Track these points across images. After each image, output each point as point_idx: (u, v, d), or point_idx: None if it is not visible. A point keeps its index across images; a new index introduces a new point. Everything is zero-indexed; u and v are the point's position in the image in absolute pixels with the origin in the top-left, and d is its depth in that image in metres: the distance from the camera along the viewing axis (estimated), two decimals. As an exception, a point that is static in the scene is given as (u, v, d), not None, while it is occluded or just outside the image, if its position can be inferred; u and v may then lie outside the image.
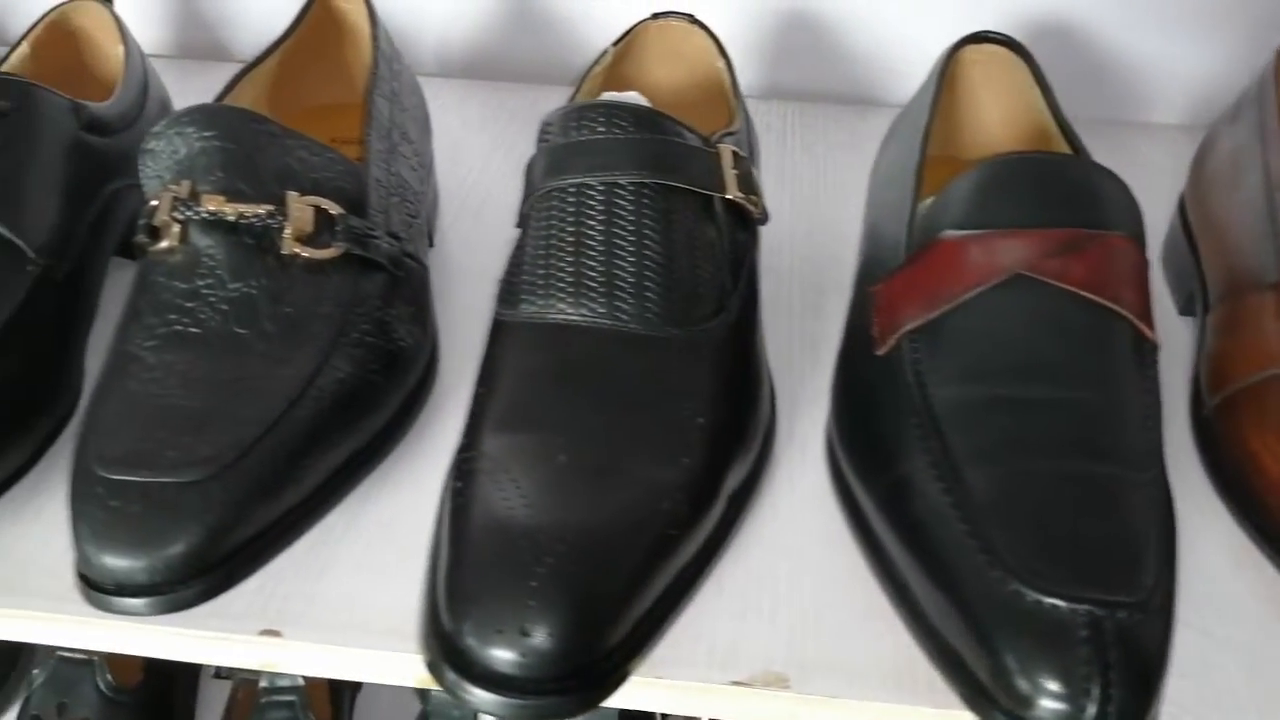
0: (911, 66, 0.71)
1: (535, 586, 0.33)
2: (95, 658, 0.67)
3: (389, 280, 0.47)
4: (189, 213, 0.44)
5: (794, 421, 0.48)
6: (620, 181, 0.43)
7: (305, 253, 0.44)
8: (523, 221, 0.46)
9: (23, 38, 0.57)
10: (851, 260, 0.57)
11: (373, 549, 0.42)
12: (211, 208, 0.44)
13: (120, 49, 0.57)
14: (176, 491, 0.36)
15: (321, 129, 0.48)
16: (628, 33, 0.55)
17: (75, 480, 0.38)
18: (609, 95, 0.49)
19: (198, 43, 0.79)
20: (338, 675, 0.40)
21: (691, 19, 0.55)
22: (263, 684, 0.67)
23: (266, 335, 0.42)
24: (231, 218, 0.44)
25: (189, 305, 0.42)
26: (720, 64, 0.54)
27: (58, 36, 0.58)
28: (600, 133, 0.44)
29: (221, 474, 0.37)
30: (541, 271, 0.42)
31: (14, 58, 0.56)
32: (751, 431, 0.43)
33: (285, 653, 0.39)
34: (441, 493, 0.43)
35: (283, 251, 0.44)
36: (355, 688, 0.74)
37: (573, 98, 0.53)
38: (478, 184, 0.65)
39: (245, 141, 0.46)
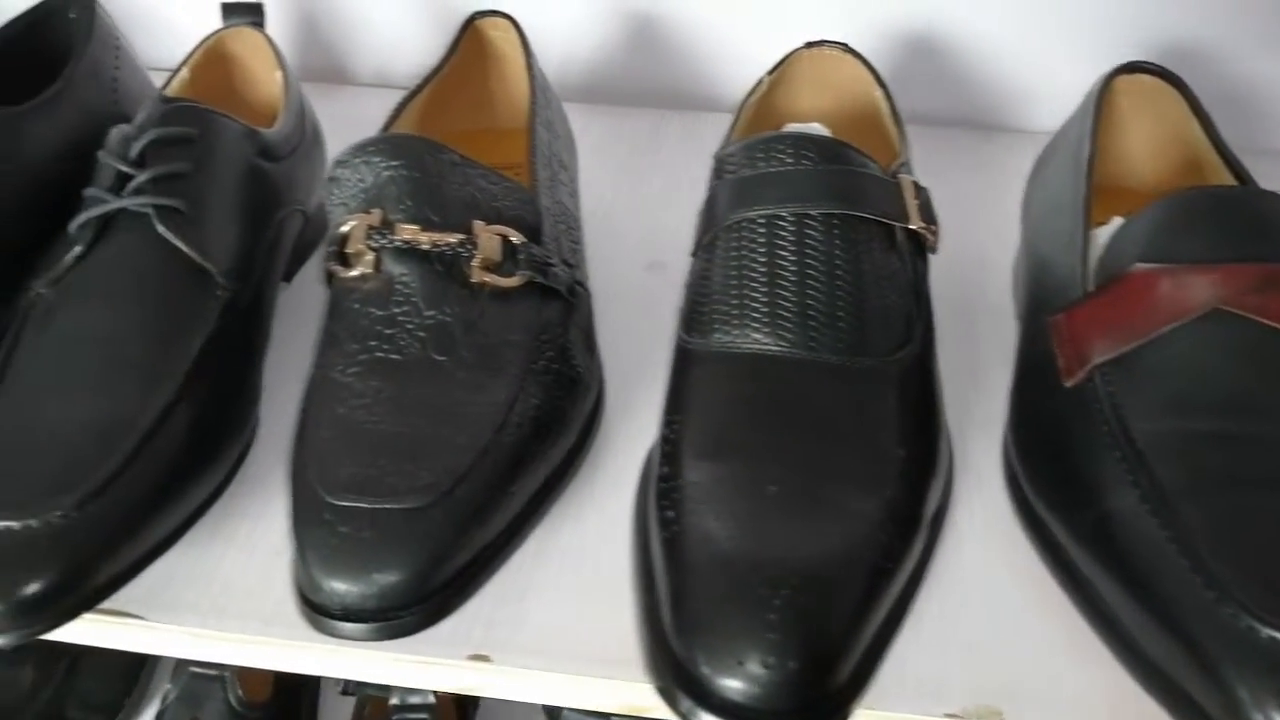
0: (1033, 91, 0.72)
1: (774, 620, 0.34)
2: (227, 673, 0.68)
3: (565, 307, 0.47)
4: (383, 241, 0.44)
5: (966, 450, 0.48)
6: (811, 213, 0.43)
7: (493, 281, 0.45)
8: (704, 250, 0.46)
9: (183, 63, 0.58)
10: (994, 285, 0.58)
11: (564, 574, 0.43)
12: (406, 236, 0.44)
13: (278, 74, 0.58)
14: (403, 518, 0.37)
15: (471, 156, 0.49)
16: (782, 62, 0.56)
17: (299, 506, 0.38)
18: (793, 127, 0.49)
19: (317, 67, 0.80)
20: (547, 700, 0.40)
21: (845, 48, 0.55)
22: (394, 701, 0.67)
23: (464, 363, 0.43)
24: (425, 246, 0.44)
25: (388, 332, 0.43)
26: (878, 93, 0.54)
27: (213, 61, 0.59)
28: (789, 164, 0.44)
29: (442, 500, 0.38)
30: (735, 301, 0.43)
31: (175, 83, 0.57)
32: (939, 462, 0.43)
33: (494, 678, 0.40)
34: (635, 518, 0.43)
35: (472, 280, 0.45)
36: (475, 703, 0.74)
37: (732, 128, 0.53)
38: (611, 210, 0.65)
39: (430, 171, 0.46)
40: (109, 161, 0.46)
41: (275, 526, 0.45)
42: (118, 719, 0.73)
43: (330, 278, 0.46)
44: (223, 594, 0.42)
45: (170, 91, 0.56)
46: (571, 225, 0.53)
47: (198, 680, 0.68)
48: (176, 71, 0.57)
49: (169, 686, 0.69)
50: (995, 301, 0.57)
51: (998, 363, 0.51)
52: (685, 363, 0.44)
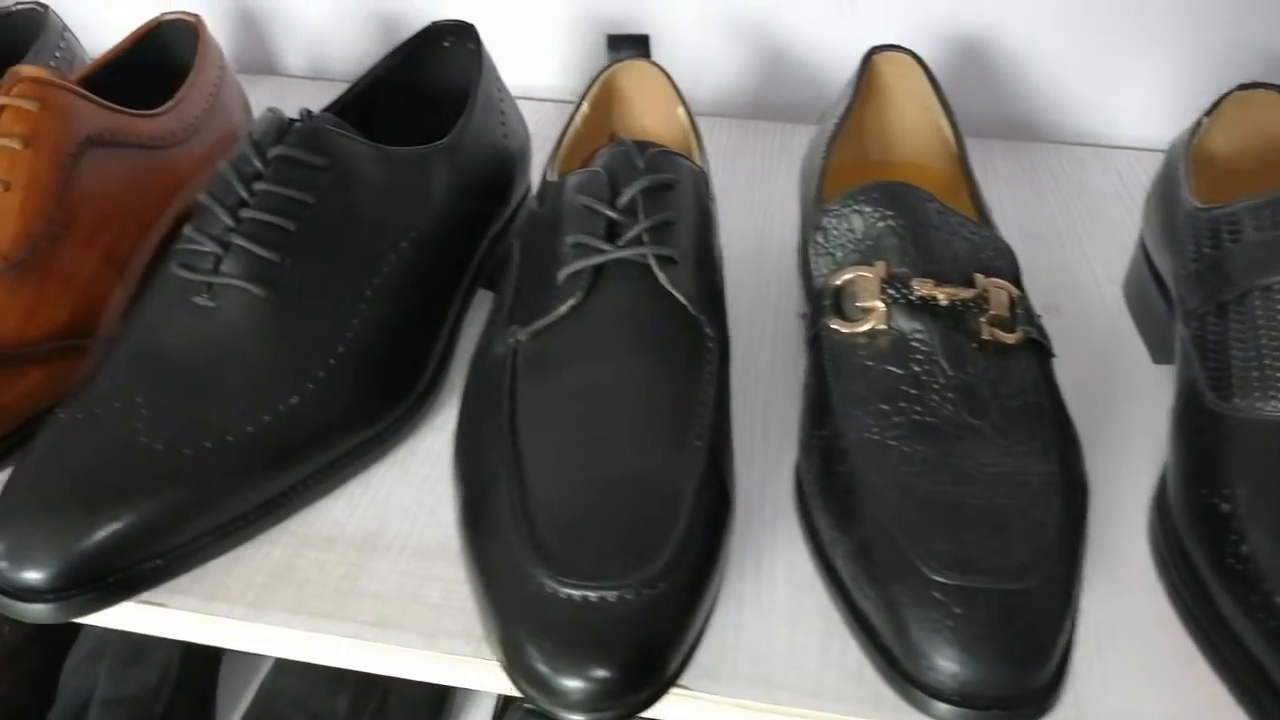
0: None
1: None
2: (562, 712, 0.67)
3: (1049, 362, 0.46)
4: (898, 295, 0.43)
5: None
6: (1366, 274, 0.41)
7: (999, 338, 0.43)
8: (1231, 310, 0.44)
9: (583, 97, 0.57)
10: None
11: (1103, 651, 0.41)
12: (923, 292, 0.43)
13: (679, 109, 0.57)
14: (1016, 600, 0.35)
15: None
16: (1217, 104, 0.54)
17: (900, 581, 0.37)
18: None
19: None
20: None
21: (1277, 89, 0.53)
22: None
23: (997, 427, 0.41)
24: (944, 302, 0.43)
25: (914, 392, 0.42)
26: (1329, 139, 0.52)
27: (607, 94, 0.58)
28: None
29: (1044, 583, 0.36)
30: (1294, 367, 0.41)
31: (578, 117, 0.56)
32: None
33: (1073, 764, 0.38)
34: (1180, 595, 0.41)
35: (984, 336, 0.43)
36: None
37: (1187, 173, 0.51)
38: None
39: (924, 220, 0.45)
40: (597, 208, 0.45)
41: (779, 587, 0.43)
42: (430, 750, 0.72)
43: (819, 333, 0.45)
44: (753, 661, 0.41)
45: (575, 127, 0.55)
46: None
47: (531, 717, 0.67)
48: (579, 105, 0.56)
49: (503, 723, 0.68)
50: None
51: None
52: (1222, 429, 0.42)
